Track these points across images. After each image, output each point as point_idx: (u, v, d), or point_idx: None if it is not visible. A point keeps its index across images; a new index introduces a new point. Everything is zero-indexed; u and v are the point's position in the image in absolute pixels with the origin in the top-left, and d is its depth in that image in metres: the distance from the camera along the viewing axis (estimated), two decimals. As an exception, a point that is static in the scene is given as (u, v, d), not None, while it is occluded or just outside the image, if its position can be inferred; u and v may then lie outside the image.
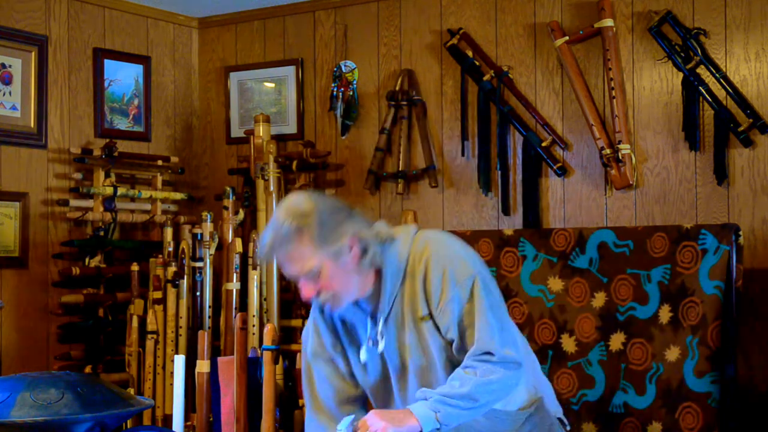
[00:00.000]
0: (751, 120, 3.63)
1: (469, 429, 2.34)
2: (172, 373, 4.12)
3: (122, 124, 4.71)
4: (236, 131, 4.92)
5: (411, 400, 2.35)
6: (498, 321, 2.31)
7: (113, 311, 4.39)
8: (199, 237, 4.34)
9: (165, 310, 4.27)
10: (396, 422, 2.20)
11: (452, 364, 2.34)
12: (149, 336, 4.23)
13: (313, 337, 2.51)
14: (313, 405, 2.50)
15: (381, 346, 2.37)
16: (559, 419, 2.52)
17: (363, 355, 2.40)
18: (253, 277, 4.29)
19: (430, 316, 2.33)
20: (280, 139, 4.69)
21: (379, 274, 2.36)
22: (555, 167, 4.03)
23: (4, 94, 4.22)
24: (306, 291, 2.33)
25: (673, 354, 3.24)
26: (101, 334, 4.34)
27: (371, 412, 2.26)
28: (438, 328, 2.33)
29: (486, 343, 2.27)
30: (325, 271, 2.29)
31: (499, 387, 2.29)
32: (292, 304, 4.51)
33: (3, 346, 4.15)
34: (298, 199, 2.32)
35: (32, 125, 4.32)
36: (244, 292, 4.30)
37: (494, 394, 2.29)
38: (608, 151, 3.87)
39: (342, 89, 4.57)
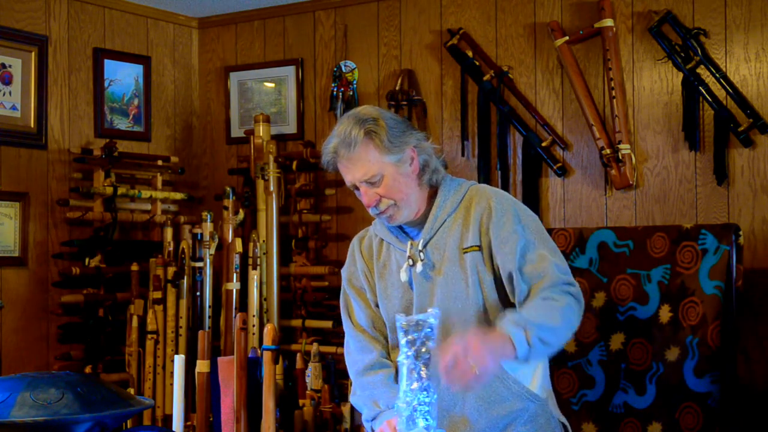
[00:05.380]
0: (751, 120, 3.63)
1: (464, 401, 2.32)
2: (172, 373, 4.12)
3: (122, 124, 4.71)
4: (236, 131, 4.92)
5: None
6: (562, 261, 2.33)
7: (113, 311, 4.38)
8: (199, 237, 4.34)
9: (165, 310, 4.28)
10: (495, 351, 2.11)
11: (481, 301, 2.33)
12: (149, 336, 4.23)
13: (349, 264, 2.54)
14: (353, 327, 2.52)
15: (419, 267, 2.36)
16: (563, 424, 2.50)
17: (403, 275, 2.39)
18: (253, 277, 4.29)
19: (480, 247, 2.32)
20: (280, 139, 4.69)
21: (432, 198, 2.40)
22: (555, 167, 4.03)
23: (4, 94, 4.22)
24: (367, 198, 2.35)
25: (673, 354, 3.24)
26: (101, 334, 4.33)
27: (465, 335, 2.13)
28: (484, 261, 2.32)
29: (563, 276, 2.27)
30: (388, 177, 2.33)
31: (572, 319, 2.24)
32: (292, 304, 4.51)
33: (3, 346, 4.14)
34: (364, 108, 2.41)
35: (32, 125, 4.32)
36: (244, 292, 4.30)
37: (568, 325, 2.24)
38: (608, 151, 3.87)
39: (342, 89, 4.56)
